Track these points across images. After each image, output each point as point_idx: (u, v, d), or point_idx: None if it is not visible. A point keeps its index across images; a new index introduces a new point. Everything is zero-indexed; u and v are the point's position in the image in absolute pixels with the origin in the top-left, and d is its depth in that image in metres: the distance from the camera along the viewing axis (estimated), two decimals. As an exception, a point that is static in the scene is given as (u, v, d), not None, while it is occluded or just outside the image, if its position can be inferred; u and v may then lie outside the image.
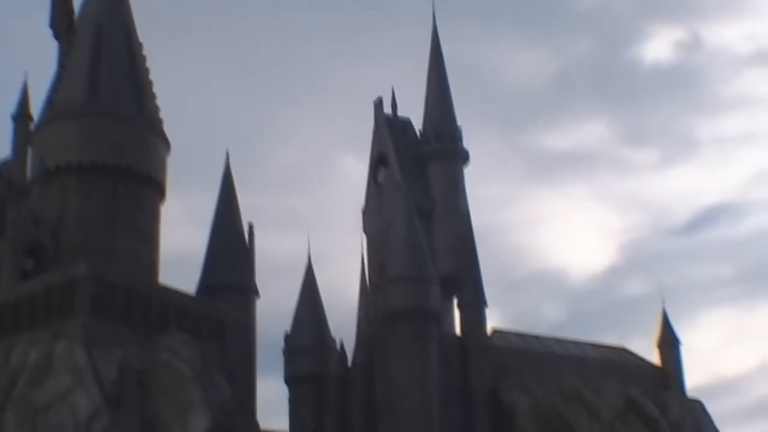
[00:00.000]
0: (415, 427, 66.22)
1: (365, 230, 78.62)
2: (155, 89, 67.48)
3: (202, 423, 51.32)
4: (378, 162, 78.44)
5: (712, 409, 79.04)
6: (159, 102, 67.30)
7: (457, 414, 69.60)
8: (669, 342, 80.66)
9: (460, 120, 79.24)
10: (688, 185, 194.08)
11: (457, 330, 74.51)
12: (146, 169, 63.67)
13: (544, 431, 68.54)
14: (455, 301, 75.25)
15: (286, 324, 78.40)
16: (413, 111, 79.88)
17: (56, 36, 67.68)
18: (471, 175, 79.33)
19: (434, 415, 67.33)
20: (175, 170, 69.12)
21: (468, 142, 78.93)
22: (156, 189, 64.95)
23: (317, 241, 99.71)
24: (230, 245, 68.61)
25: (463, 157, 78.76)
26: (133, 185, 62.81)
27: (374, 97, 79.01)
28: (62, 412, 48.75)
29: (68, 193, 61.49)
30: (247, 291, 68.33)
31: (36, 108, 66.18)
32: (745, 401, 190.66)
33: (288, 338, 78.49)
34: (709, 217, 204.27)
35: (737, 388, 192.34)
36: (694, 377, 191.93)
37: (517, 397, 70.45)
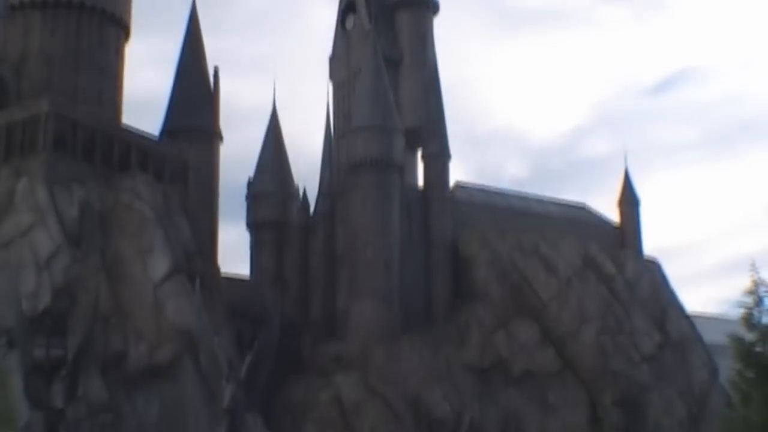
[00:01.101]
0: (375, 275, 66.91)
1: (331, 78, 77.98)
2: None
3: (162, 264, 51.55)
4: (347, 9, 77.30)
5: (668, 269, 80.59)
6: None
7: (417, 264, 70.32)
8: (629, 202, 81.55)
9: (432, -31, 77.97)
10: (660, 45, 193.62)
11: (420, 182, 74.80)
12: (110, 8, 62.41)
13: (502, 285, 69.49)
14: (419, 153, 75.33)
15: (249, 170, 78.44)
16: (385, -42, 78.08)
17: None
18: (440, 26, 78.65)
19: (394, 264, 68.03)
20: (141, 11, 68.05)
21: (439, -8, 78.03)
22: (120, 28, 63.79)
23: (283, 88, 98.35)
24: (194, 89, 67.74)
25: (433, 6, 77.76)
26: (97, 23, 61.56)
27: (345, -58, 77.44)
28: (22, 249, 48.68)
29: (32, 29, 60.17)
30: (211, 135, 67.79)
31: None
32: (701, 263, 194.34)
33: (251, 184, 78.53)
34: (678, 78, 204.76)
35: (694, 250, 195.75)
36: (652, 238, 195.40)
37: (476, 250, 71.18)
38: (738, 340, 20.26)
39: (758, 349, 20.05)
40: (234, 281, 69.97)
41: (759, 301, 21.08)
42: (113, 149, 56.53)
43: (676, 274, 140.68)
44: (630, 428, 54.94)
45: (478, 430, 62.68)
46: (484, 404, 63.83)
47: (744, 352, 19.98)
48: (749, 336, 20.54)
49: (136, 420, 47.23)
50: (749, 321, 20.62)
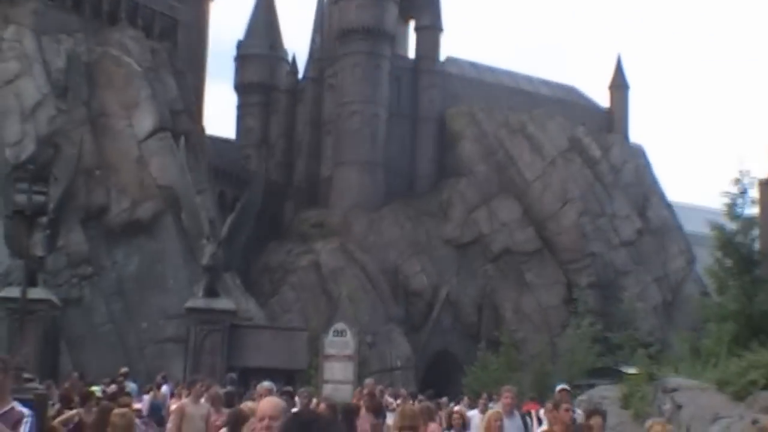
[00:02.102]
0: (360, 144, 66.76)
1: (328, -58, 76.55)
2: None
3: (147, 121, 51.20)
4: None
5: (652, 155, 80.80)
6: None
7: (403, 136, 70.11)
8: (619, 86, 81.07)
9: None
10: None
11: (411, 54, 74.10)
12: None
13: (487, 162, 69.37)
14: (412, 25, 74.46)
15: (239, 31, 77.59)
16: None
17: None
18: None
19: (380, 134, 67.83)
20: None
21: None
22: None
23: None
24: (188, -56, 66.29)
25: None
26: None
27: None
28: (8, 97, 48.18)
29: None
30: (203, -7, 66.71)
31: None
32: (686, 151, 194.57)
33: (240, 45, 77.66)
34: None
35: (679, 137, 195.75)
36: (640, 124, 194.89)
37: (463, 125, 70.89)
38: (719, 230, 20.38)
39: (738, 239, 20.18)
40: (219, 142, 69.74)
41: (743, 192, 21.14)
42: (103, 1, 55.56)
43: (660, 160, 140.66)
44: (604, 311, 55.45)
45: (454, 304, 63.37)
46: (461, 279, 64.40)
47: (724, 241, 20.11)
48: (730, 226, 20.65)
49: (115, 273, 47.53)
50: (732, 211, 20.70)
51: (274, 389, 12.65)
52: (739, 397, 14.51)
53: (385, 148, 67.81)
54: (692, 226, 71.76)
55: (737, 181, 21.06)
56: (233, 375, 21.47)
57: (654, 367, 20.34)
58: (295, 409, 15.94)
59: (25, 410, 6.81)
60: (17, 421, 6.67)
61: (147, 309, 46.63)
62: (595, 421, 11.78)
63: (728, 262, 20.21)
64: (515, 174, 69.03)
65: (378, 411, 14.16)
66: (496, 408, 13.61)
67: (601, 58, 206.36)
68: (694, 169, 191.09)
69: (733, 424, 12.59)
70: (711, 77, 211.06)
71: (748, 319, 18.94)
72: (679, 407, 14.50)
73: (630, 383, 20.17)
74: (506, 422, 11.78)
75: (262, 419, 5.88)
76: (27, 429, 6.63)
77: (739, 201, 20.88)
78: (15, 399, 6.93)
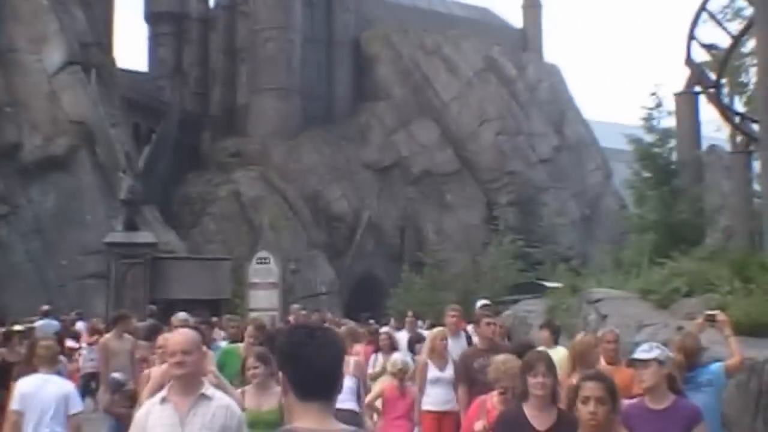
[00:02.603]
0: (275, 70, 66.07)
1: None
2: None
3: (57, 55, 49.98)
4: None
5: (567, 74, 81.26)
6: None
7: (319, 62, 69.57)
8: (532, 5, 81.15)
9: None
10: None
11: (325, -23, 73.29)
12: None
13: (404, 84, 69.28)
14: (324, -53, 73.53)
15: (147, -41, 75.71)
16: None
17: None
18: None
19: (295, 60, 67.16)
20: None
21: None
22: None
23: None
24: None
25: None
26: None
27: None
28: None
29: None
30: None
31: None
32: (600, 69, 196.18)
33: (149, -27, 76.03)
34: None
35: (593, 55, 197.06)
36: (554, 42, 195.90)
37: (379, 48, 70.54)
38: (636, 142, 20.56)
39: (656, 150, 20.39)
40: (132, 74, 68.39)
41: (659, 105, 21.34)
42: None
43: (575, 81, 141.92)
44: (525, 228, 55.91)
45: (376, 227, 63.55)
46: (382, 202, 64.53)
47: (642, 153, 20.32)
48: (648, 138, 20.83)
49: (32, 211, 46.62)
50: (649, 124, 20.89)
51: (190, 320, 12.53)
52: (663, 305, 14.76)
53: (301, 74, 67.23)
54: (608, 141, 72.67)
55: (653, 94, 21.23)
56: (153, 307, 21.30)
57: (577, 280, 20.60)
58: (221, 341, 15.88)
59: None
60: None
61: (66, 246, 45.85)
62: (543, 334, 11.92)
63: (646, 174, 20.43)
64: (432, 96, 69.05)
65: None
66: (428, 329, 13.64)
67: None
68: (609, 87, 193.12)
69: (659, 331, 12.77)
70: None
71: (668, 229, 19.22)
72: (604, 317, 14.69)
73: (554, 296, 20.43)
74: (451, 342, 11.78)
75: (173, 354, 5.73)
76: None
77: (656, 114, 21.08)
78: None
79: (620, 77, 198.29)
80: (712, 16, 22.68)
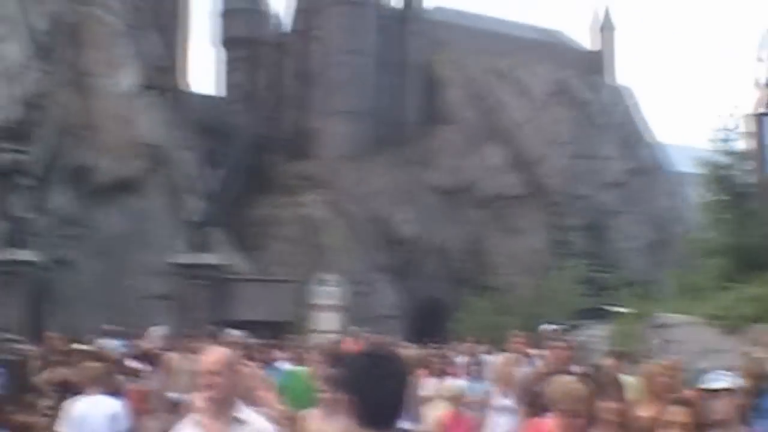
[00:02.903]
0: (347, 94, 66.29)
1: None
2: None
3: (132, 78, 50.67)
4: None
5: (640, 97, 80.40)
6: None
7: (390, 85, 69.63)
8: (606, 27, 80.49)
9: None
10: None
11: (397, 1, 73.43)
12: None
13: (474, 107, 69.05)
14: (395, -28, 73.77)
15: (221, -15, 76.52)
16: None
17: None
18: None
19: (368, 84, 67.33)
20: None
21: None
22: None
23: None
24: None
25: None
26: None
27: None
28: (-10, 60, 47.51)
29: None
30: (182, -54, 65.64)
31: None
32: (672, 92, 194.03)
33: (223, 0, 76.76)
34: None
35: (666, 78, 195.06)
36: (627, 66, 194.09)
37: (450, 71, 70.45)
38: (712, 165, 20.10)
39: (730, 172, 19.92)
40: (205, 98, 69.09)
41: (734, 126, 20.89)
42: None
43: (648, 104, 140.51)
44: (594, 253, 55.40)
45: (442, 251, 63.22)
46: (448, 225, 64.19)
47: (717, 176, 19.85)
48: (723, 160, 20.36)
49: (102, 232, 47.17)
50: (723, 145, 20.44)
51: (241, 339, 12.17)
52: (730, 331, 14.34)
53: (372, 97, 67.36)
54: (681, 165, 71.52)
55: (726, 116, 20.79)
56: (213, 328, 21.23)
57: (643, 305, 20.19)
58: (281, 362, 15.74)
59: None
60: None
61: (135, 267, 46.21)
62: (608, 361, 11.33)
63: (722, 197, 19.96)
64: (503, 119, 68.71)
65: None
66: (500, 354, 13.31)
67: (583, 1, 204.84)
68: (682, 110, 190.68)
69: (724, 357, 12.38)
70: (696, 16, 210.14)
71: (739, 253, 18.72)
72: (668, 343, 14.31)
73: (620, 322, 20.03)
74: (519, 368, 11.49)
75: (202, 375, 5.47)
76: None
77: (731, 135, 20.63)
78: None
79: (693, 100, 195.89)
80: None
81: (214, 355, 5.50)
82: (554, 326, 14.22)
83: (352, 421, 3.41)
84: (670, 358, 10.08)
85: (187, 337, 14.43)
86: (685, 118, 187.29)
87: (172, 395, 12.45)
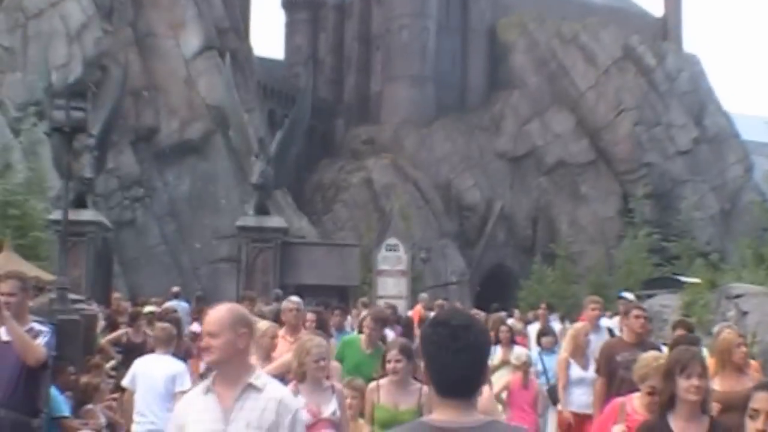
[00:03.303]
0: (409, 58, 65.87)
1: None
2: None
3: (194, 40, 50.68)
4: None
5: (707, 64, 78.92)
6: None
7: (454, 50, 69.10)
8: (674, -7, 79.19)
9: None
10: None
11: (460, -36, 72.70)
12: None
13: (539, 73, 68.29)
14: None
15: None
16: None
17: None
18: None
19: (430, 48, 66.83)
20: None
21: None
22: None
23: None
24: None
25: None
26: None
27: None
28: (53, 20, 47.73)
29: None
30: None
31: None
32: (741, 57, 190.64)
33: (287, -38, 76.63)
34: None
35: (734, 45, 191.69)
36: (695, 32, 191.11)
37: (515, 36, 69.67)
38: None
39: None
40: (268, 61, 69.11)
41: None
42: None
43: (715, 71, 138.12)
44: (661, 222, 54.50)
45: (508, 218, 62.83)
46: (515, 193, 63.77)
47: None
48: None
49: (167, 194, 47.44)
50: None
51: (301, 303, 11.49)
52: (810, 302, 13.90)
53: (435, 61, 66.86)
54: (750, 134, 70.27)
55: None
56: (279, 291, 21.05)
57: (716, 275, 19.72)
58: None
59: (44, 328, 6.69)
60: (35, 338, 6.54)
61: (200, 229, 46.55)
62: (678, 332, 10.71)
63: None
64: (568, 84, 67.85)
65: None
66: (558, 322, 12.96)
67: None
68: (750, 78, 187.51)
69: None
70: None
71: (816, 223, 18.19)
72: (744, 314, 13.92)
73: (691, 292, 19.59)
74: (592, 337, 11.15)
75: (203, 337, 4.98)
76: (44, 340, 6.51)
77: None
78: (34, 320, 6.80)
79: (763, 68, 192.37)
80: None
81: (213, 314, 4.86)
82: (632, 295, 13.82)
83: (431, 387, 3.31)
84: (746, 329, 9.66)
85: (245, 298, 14.09)
86: (755, 86, 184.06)
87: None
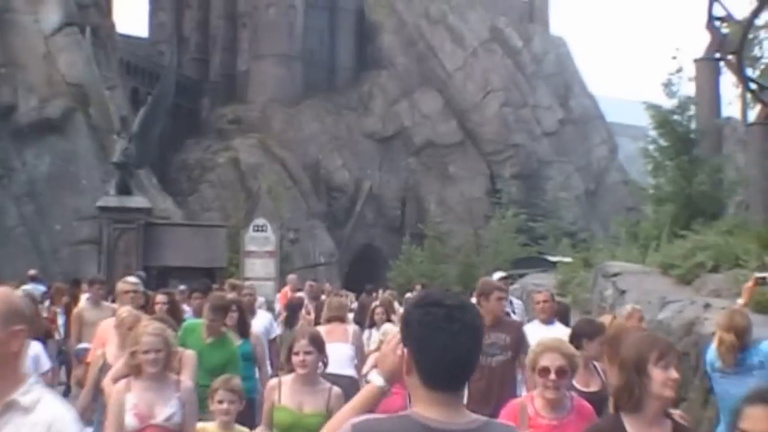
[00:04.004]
0: (276, 36, 64.98)
1: None
2: None
3: (54, 15, 48.92)
4: None
5: (573, 46, 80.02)
6: None
7: (322, 28, 68.45)
8: (540, -26, 79.93)
9: None
10: None
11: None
12: None
13: (407, 53, 68.19)
14: None
15: None
16: None
17: None
18: None
19: (297, 26, 66.04)
20: None
21: None
22: None
23: None
24: None
25: None
26: None
27: None
28: None
29: None
30: None
31: None
32: (605, 41, 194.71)
33: (149, -64, 74.78)
34: None
35: (599, 26, 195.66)
36: (562, 14, 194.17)
37: (382, 16, 69.37)
38: (655, 108, 19.44)
39: (675, 118, 19.30)
40: (131, 39, 67.36)
41: (678, 70, 20.32)
42: None
43: (581, 54, 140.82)
44: (528, 202, 55.01)
45: (377, 198, 62.63)
46: (383, 173, 63.58)
47: (661, 120, 19.16)
48: (667, 104, 19.77)
49: (26, 174, 45.66)
50: (669, 88, 19.83)
51: (140, 284, 10.68)
52: (686, 280, 13.76)
53: (303, 40, 66.12)
54: (614, 116, 71.58)
55: (673, 58, 20.19)
56: (142, 273, 20.21)
57: (589, 254, 19.65)
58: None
59: None
60: None
61: (60, 210, 44.92)
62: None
63: (665, 142, 19.32)
64: (436, 65, 67.92)
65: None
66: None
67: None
68: (615, 61, 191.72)
69: (685, 309, 11.79)
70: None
71: (687, 200, 18.18)
72: (622, 292, 13.70)
73: (565, 270, 19.49)
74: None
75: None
76: None
77: (676, 77, 20.05)
78: None
79: (627, 52, 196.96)
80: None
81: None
82: (503, 274, 13.49)
83: (413, 375, 2.95)
84: (634, 308, 9.22)
85: (95, 281, 12.96)
86: (620, 69, 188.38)
87: (82, 346, 11.28)
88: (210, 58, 71.00)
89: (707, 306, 11.52)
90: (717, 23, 20.35)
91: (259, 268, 26.27)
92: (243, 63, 67.98)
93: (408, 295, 20.76)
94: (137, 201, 27.63)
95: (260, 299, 18.12)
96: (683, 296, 12.68)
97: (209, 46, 71.27)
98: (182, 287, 16.58)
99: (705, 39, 21.42)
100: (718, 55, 20.98)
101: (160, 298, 9.76)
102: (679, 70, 19.95)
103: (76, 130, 46.24)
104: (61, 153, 46.10)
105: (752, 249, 13.40)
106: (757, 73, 26.00)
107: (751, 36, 24.87)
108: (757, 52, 27.37)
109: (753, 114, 23.21)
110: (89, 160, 45.41)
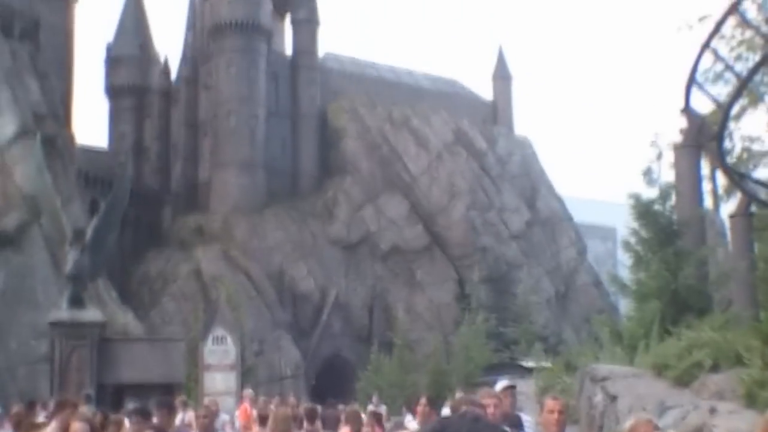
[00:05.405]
0: (238, 144, 64.27)
1: (195, -63, 73.66)
2: None
3: (9, 125, 48.05)
4: None
5: (538, 147, 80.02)
6: None
7: (284, 135, 67.84)
8: (502, 77, 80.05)
9: None
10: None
11: (289, 50, 71.89)
12: None
13: (371, 157, 67.64)
14: (288, 19, 72.25)
15: (108, 33, 74.16)
16: None
17: None
18: None
19: (259, 134, 65.42)
20: None
21: None
22: None
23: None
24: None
25: None
26: None
27: None
28: None
29: None
30: (65, -8, 63.33)
31: None
32: (571, 141, 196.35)
33: (110, 48, 74.37)
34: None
35: (564, 127, 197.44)
36: (524, 115, 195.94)
37: (345, 121, 68.99)
38: (635, 197, 18.36)
39: (657, 207, 18.22)
40: (92, 151, 66.39)
41: (658, 156, 19.39)
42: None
43: (546, 154, 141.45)
44: (498, 305, 53.97)
45: (344, 306, 61.28)
46: (350, 280, 62.35)
47: (642, 210, 18.06)
48: (648, 193, 18.71)
49: (-22, 290, 44.19)
50: (649, 176, 18.84)
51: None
52: (683, 382, 12.48)
53: (265, 148, 65.40)
54: (581, 217, 71.01)
55: (653, 144, 19.28)
56: (90, 392, 18.80)
57: (572, 357, 18.39)
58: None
59: None
60: None
61: (17, 327, 43.33)
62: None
63: (646, 234, 18.18)
64: (401, 169, 67.35)
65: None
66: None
67: (483, 50, 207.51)
68: (581, 162, 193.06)
69: (688, 414, 10.56)
70: (593, 67, 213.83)
71: (674, 296, 17.01)
72: (614, 398, 12.41)
73: (545, 376, 18.25)
74: None
75: None
76: None
77: (656, 165, 19.10)
78: None
79: (593, 152, 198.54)
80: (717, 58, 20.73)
81: None
82: (507, 383, 12.12)
83: None
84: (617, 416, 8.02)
85: (63, 404, 11.92)
86: (586, 169, 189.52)
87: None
88: (171, 168, 70.08)
89: (713, 410, 10.31)
90: (693, 109, 19.43)
91: (219, 383, 24.82)
92: (204, 172, 67.09)
93: (370, 407, 19.44)
94: (90, 314, 26.22)
95: (223, 417, 16.70)
96: (683, 400, 11.45)
97: (170, 155, 70.45)
98: (131, 405, 15.23)
99: (673, 129, 20.61)
100: (695, 143, 20.07)
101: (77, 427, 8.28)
102: (658, 157, 19.01)
103: (31, 242, 44.94)
104: (17, 267, 44.71)
105: (755, 345, 12.19)
106: (734, 160, 25.20)
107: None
108: (727, 143, 26.63)
109: (726, 205, 22.37)
110: (46, 274, 44.03)
